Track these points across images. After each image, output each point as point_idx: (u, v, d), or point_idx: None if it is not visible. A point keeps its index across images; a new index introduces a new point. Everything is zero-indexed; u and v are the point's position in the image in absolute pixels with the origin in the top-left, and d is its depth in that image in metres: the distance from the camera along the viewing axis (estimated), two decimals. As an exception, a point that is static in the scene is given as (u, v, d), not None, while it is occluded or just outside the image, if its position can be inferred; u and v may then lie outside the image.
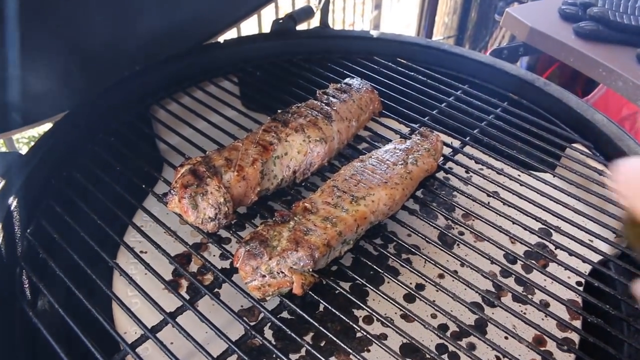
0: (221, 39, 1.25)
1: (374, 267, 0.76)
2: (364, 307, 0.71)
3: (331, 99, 0.94)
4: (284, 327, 0.68)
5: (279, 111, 0.93)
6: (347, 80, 1.03)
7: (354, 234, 0.74)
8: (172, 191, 0.77)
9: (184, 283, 0.86)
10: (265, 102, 1.08)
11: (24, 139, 2.27)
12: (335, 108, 0.92)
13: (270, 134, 0.84)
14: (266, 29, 1.69)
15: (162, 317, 0.68)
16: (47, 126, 1.01)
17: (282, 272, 0.67)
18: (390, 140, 0.98)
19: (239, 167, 0.79)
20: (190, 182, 0.75)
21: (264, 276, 0.68)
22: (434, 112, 1.08)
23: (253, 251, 0.68)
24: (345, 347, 0.66)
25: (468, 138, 1.01)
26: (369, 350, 0.77)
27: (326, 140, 0.86)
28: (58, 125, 0.96)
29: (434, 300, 0.71)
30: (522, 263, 0.86)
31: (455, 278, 0.76)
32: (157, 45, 1.13)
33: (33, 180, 0.84)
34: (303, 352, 0.77)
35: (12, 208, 0.79)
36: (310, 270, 0.68)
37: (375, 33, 1.25)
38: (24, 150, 1.36)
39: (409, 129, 1.03)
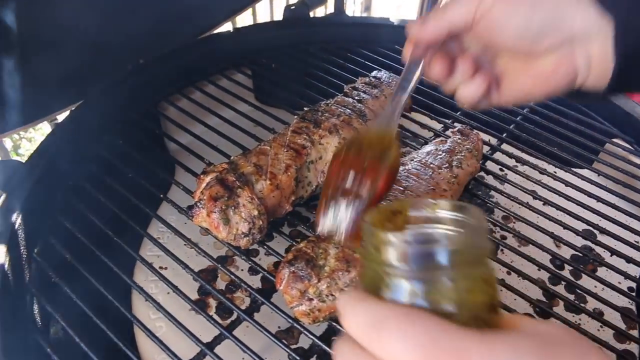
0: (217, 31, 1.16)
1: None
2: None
3: (362, 94, 0.87)
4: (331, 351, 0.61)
5: (306, 109, 0.85)
6: (375, 73, 0.95)
7: (405, 248, 0.67)
8: (198, 204, 0.69)
9: (212, 303, 0.79)
10: (283, 96, 1.00)
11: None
12: (368, 105, 0.84)
13: (302, 136, 0.76)
14: (261, 19, 1.60)
15: (199, 349, 0.61)
16: (43, 128, 0.91)
17: (333, 295, 0.60)
18: (425, 138, 0.91)
19: (271, 175, 0.71)
20: (220, 194, 0.68)
21: (311, 299, 0.61)
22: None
23: (299, 273, 0.61)
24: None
25: (505, 135, 0.95)
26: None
27: (362, 142, 0.79)
28: (59, 128, 0.86)
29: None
30: (571, 268, 0.81)
31: (504, 287, 0.70)
32: (159, 35, 1.03)
33: (37, 193, 0.75)
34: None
35: (16, 226, 0.70)
36: (363, 292, 0.62)
37: (396, 20, 1.16)
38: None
39: (442, 125, 0.96)
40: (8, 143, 2.09)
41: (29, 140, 2.25)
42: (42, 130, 2.10)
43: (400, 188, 0.71)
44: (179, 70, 1.02)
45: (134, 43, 1.01)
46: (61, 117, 1.20)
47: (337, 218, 0.53)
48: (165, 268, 0.81)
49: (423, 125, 0.96)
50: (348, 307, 0.30)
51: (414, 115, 0.97)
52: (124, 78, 0.98)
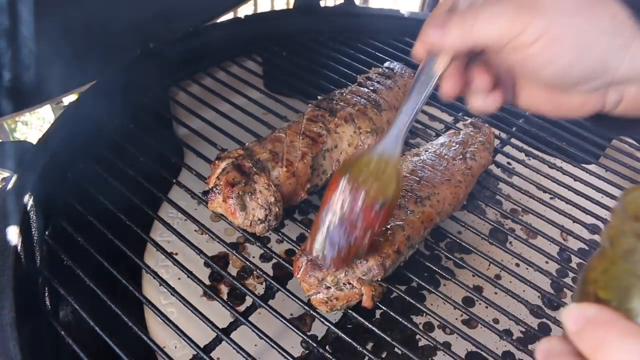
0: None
1: (431, 267, 0.70)
2: (427, 311, 0.65)
3: (376, 85, 0.86)
4: (349, 339, 0.61)
5: (320, 97, 0.84)
6: (387, 64, 0.95)
7: (421, 236, 0.68)
8: (214, 189, 0.68)
9: (224, 289, 0.78)
10: (292, 84, 1.00)
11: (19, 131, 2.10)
12: (382, 96, 0.84)
13: (318, 124, 0.76)
14: (262, 9, 1.58)
15: (215, 334, 0.61)
16: (40, 112, 0.90)
17: (350, 284, 0.61)
18: (436, 130, 0.91)
19: (288, 162, 0.71)
20: (237, 180, 0.67)
21: (328, 288, 0.61)
22: (474, 99, 1.01)
23: (316, 261, 0.61)
24: (412, 356, 0.61)
25: (515, 129, 0.95)
26: (433, 362, 0.72)
27: (377, 132, 0.79)
28: (69, 112, 0.85)
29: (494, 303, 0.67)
30: (579, 260, 0.82)
31: (515, 277, 0.71)
32: (168, 20, 1.02)
33: (48, 175, 0.74)
34: (363, 363, 0.71)
35: (28, 208, 0.69)
36: (379, 279, 0.62)
37: (405, 12, 1.16)
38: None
39: (452, 117, 0.96)
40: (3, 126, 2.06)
41: (24, 124, 2.22)
42: (38, 113, 2.07)
43: (416, 178, 0.71)
44: (189, 55, 1.01)
45: (143, 27, 0.99)
46: (67, 100, 1.19)
47: (328, 245, 0.54)
48: (176, 254, 0.81)
49: (433, 117, 0.96)
50: (611, 338, 0.26)
51: (423, 107, 0.96)
52: (134, 62, 0.96)
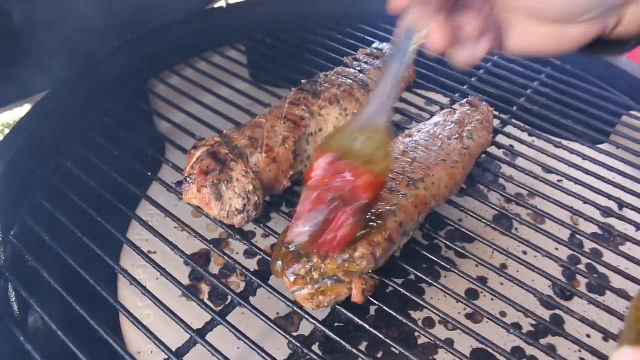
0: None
1: (430, 257, 0.64)
2: (427, 306, 0.59)
3: (363, 65, 0.81)
4: (337, 338, 0.55)
5: (304, 81, 0.79)
6: (376, 44, 0.90)
7: (415, 223, 0.62)
8: (188, 179, 0.63)
9: (205, 289, 0.73)
10: (278, 72, 0.94)
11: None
12: (370, 76, 0.78)
13: (300, 107, 0.71)
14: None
15: (189, 336, 0.55)
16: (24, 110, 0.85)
17: (337, 277, 0.55)
18: (432, 112, 0.85)
19: (268, 148, 0.65)
20: (212, 168, 0.62)
21: (314, 283, 0.55)
22: (472, 79, 0.95)
23: (299, 252, 0.55)
24: (410, 356, 0.55)
25: (515, 108, 0.89)
26: (434, 361, 0.66)
27: (365, 113, 0.73)
28: (40, 105, 0.80)
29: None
30: (593, 245, 0.76)
31: (523, 265, 0.64)
32: (147, 12, 0.98)
33: (15, 172, 0.70)
34: (357, 365, 0.65)
35: (-10, 206, 0.64)
36: (370, 272, 0.56)
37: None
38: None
39: (448, 99, 0.90)
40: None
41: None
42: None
43: (409, 160, 0.65)
44: (168, 46, 0.97)
45: (121, 19, 0.95)
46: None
47: (311, 226, 0.49)
48: (155, 252, 0.76)
49: (429, 100, 0.90)
50: None
51: (418, 90, 0.91)
52: (110, 54, 0.92)
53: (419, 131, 0.71)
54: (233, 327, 0.55)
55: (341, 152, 0.49)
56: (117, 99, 0.87)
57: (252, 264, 0.75)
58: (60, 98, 0.82)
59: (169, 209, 0.71)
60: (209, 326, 0.56)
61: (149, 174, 0.74)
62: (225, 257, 0.64)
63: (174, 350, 0.54)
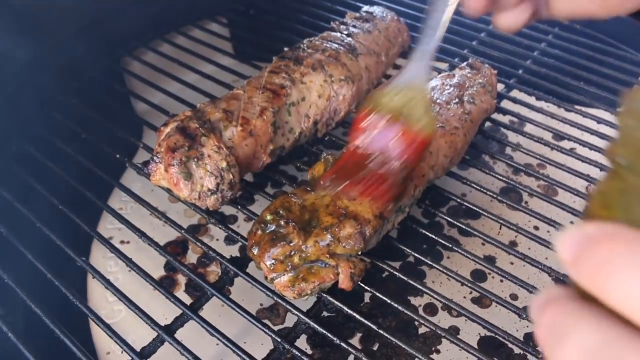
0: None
1: (431, 237, 0.57)
2: (428, 291, 0.52)
3: (352, 29, 0.73)
4: (324, 331, 0.49)
5: (286, 49, 0.72)
6: (366, 8, 0.82)
7: (411, 197, 0.54)
8: (155, 158, 0.56)
9: (181, 279, 0.66)
10: (265, 45, 0.87)
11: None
12: (359, 39, 0.71)
13: (280, 75, 0.63)
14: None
15: (156, 334, 0.49)
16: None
17: (321, 261, 0.48)
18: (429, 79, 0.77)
19: (243, 120, 0.58)
20: (180, 144, 0.55)
21: (295, 268, 0.48)
22: (473, 43, 0.87)
23: (277, 233, 0.48)
24: (407, 349, 0.48)
25: (521, 71, 0.81)
26: (438, 351, 0.59)
27: (353, 80, 0.66)
28: (0, 87, 0.73)
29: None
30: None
31: (535, 241, 0.57)
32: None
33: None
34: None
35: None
36: (360, 254, 0.49)
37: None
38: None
39: (447, 64, 0.82)
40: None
41: None
42: None
43: (401, 128, 0.58)
44: (143, 21, 0.89)
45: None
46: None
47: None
48: (128, 242, 0.69)
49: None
50: (617, 255, 0.19)
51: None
52: (80, 30, 0.85)
53: (414, 97, 0.64)
54: (205, 321, 0.49)
55: (384, 111, 0.48)
56: (87, 79, 0.80)
57: (233, 251, 0.69)
58: (24, 80, 0.75)
59: (143, 195, 0.64)
60: (179, 321, 0.50)
61: (117, 156, 0.67)
62: (200, 245, 0.57)
63: (138, 350, 0.48)
